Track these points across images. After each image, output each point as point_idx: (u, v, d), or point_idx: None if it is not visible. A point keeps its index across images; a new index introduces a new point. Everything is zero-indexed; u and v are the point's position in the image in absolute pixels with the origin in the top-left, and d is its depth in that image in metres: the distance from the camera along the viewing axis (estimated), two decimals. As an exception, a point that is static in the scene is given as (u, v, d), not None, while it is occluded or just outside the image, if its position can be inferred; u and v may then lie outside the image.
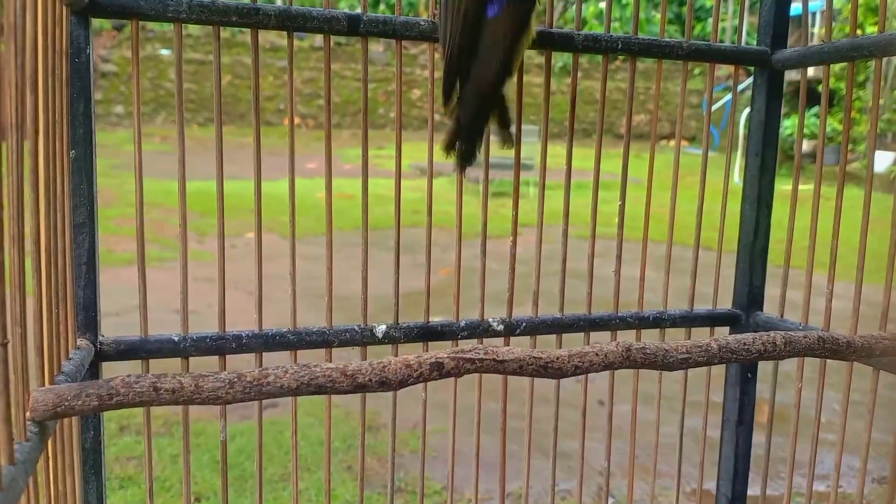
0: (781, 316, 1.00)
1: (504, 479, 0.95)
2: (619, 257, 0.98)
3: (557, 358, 0.65)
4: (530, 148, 6.24)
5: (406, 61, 11.82)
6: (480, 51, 0.73)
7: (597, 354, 0.66)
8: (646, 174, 0.97)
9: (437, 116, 0.86)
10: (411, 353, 0.63)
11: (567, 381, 0.85)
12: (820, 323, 0.92)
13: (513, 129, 0.81)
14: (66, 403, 0.52)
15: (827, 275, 0.92)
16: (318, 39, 11.67)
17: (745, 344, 0.71)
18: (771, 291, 1.04)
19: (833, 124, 8.28)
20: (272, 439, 2.26)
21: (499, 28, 0.72)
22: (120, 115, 11.38)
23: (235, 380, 0.56)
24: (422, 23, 0.85)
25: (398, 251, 0.88)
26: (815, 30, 8.17)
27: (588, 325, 0.96)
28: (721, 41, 0.99)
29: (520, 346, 0.67)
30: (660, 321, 1.00)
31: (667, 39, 0.95)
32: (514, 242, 0.92)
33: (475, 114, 0.75)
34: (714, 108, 10.70)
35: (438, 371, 0.62)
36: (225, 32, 1.13)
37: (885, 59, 0.88)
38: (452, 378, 0.68)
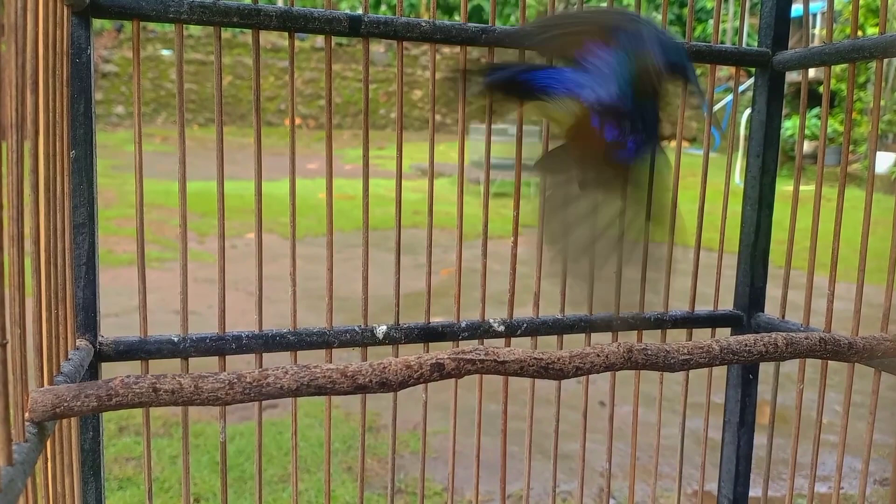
0: (783, 317, 1.00)
1: (505, 481, 0.95)
2: (619, 258, 0.97)
3: (558, 359, 0.64)
4: (532, 148, 6.24)
5: (407, 62, 11.82)
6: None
7: (598, 355, 0.66)
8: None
9: (437, 117, 0.86)
10: (412, 354, 0.63)
11: (568, 383, 0.84)
12: (821, 324, 0.92)
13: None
14: (66, 404, 0.52)
15: (828, 276, 0.92)
16: (320, 40, 11.68)
17: (746, 345, 0.71)
18: (772, 292, 1.04)
19: (834, 125, 8.27)
20: (272, 440, 2.26)
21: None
22: (121, 116, 11.39)
23: (235, 381, 0.56)
24: (423, 24, 0.85)
25: (399, 252, 0.88)
26: (816, 31, 8.17)
27: (589, 325, 0.96)
28: (722, 42, 0.99)
29: (521, 347, 0.67)
30: (661, 322, 0.99)
31: (668, 40, 0.94)
32: (515, 243, 0.92)
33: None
34: (715, 109, 10.70)
35: (439, 372, 0.61)
36: (226, 33, 1.14)
37: (885, 61, 0.88)
38: (453, 379, 0.68)
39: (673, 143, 0.88)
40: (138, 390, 0.53)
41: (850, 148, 0.89)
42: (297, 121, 11.40)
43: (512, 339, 0.93)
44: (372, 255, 0.89)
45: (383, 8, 13.01)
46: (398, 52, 0.86)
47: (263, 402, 0.69)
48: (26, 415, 0.50)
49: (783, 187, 0.95)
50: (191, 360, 0.82)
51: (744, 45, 1.02)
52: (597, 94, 0.58)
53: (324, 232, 0.85)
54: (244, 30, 0.80)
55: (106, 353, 0.78)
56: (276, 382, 0.57)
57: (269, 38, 11.29)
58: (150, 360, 0.81)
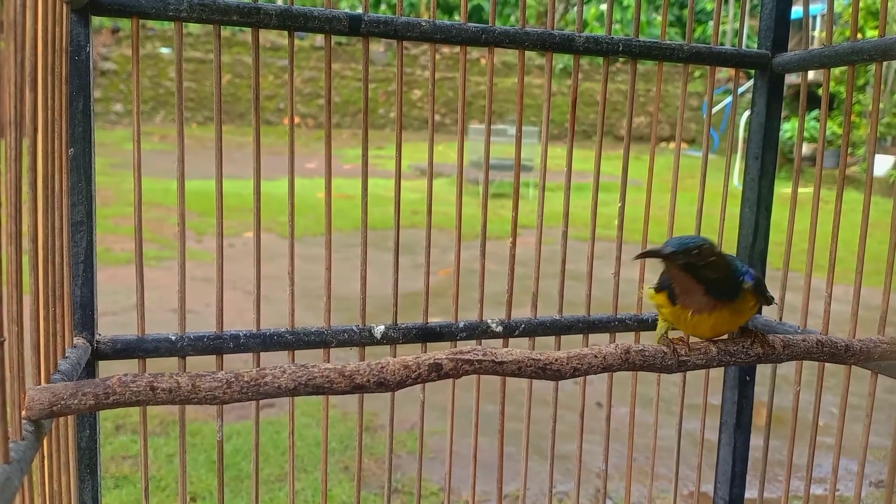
0: (780, 319, 1.00)
1: (501, 481, 0.95)
2: (618, 259, 0.97)
3: (556, 359, 0.64)
4: (530, 149, 6.24)
5: (407, 62, 11.82)
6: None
7: (595, 356, 0.66)
8: (645, 176, 0.97)
9: (437, 117, 0.86)
10: (410, 354, 0.63)
11: (565, 384, 0.84)
12: (819, 326, 0.92)
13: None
14: (63, 402, 0.52)
15: (826, 278, 0.92)
16: (319, 39, 11.68)
17: (743, 347, 0.71)
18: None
19: (833, 128, 8.28)
20: (269, 439, 2.26)
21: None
22: (119, 114, 11.37)
23: (233, 380, 0.56)
24: (423, 23, 0.85)
25: (397, 252, 0.88)
26: (816, 33, 8.18)
27: (587, 326, 0.96)
28: (722, 44, 0.99)
29: (518, 348, 0.67)
30: (658, 323, 0.99)
31: (667, 42, 0.95)
32: (514, 244, 0.92)
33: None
34: (714, 110, 10.71)
35: (437, 372, 0.61)
36: (225, 31, 1.13)
37: (885, 63, 0.88)
38: (451, 379, 0.68)
39: (672, 145, 0.88)
40: (136, 389, 0.53)
41: (849, 150, 0.89)
42: (296, 120, 11.39)
43: (510, 339, 0.93)
44: (370, 255, 0.89)
45: (383, 7, 13.00)
46: (398, 51, 0.86)
47: (260, 402, 0.69)
48: (23, 413, 0.50)
49: (782, 189, 0.95)
50: (188, 358, 0.82)
51: (743, 47, 1.02)
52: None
53: (322, 231, 0.85)
54: (244, 28, 0.80)
55: (103, 351, 0.78)
56: (274, 381, 0.57)
57: (269, 36, 11.29)
58: (147, 359, 0.81)
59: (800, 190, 0.96)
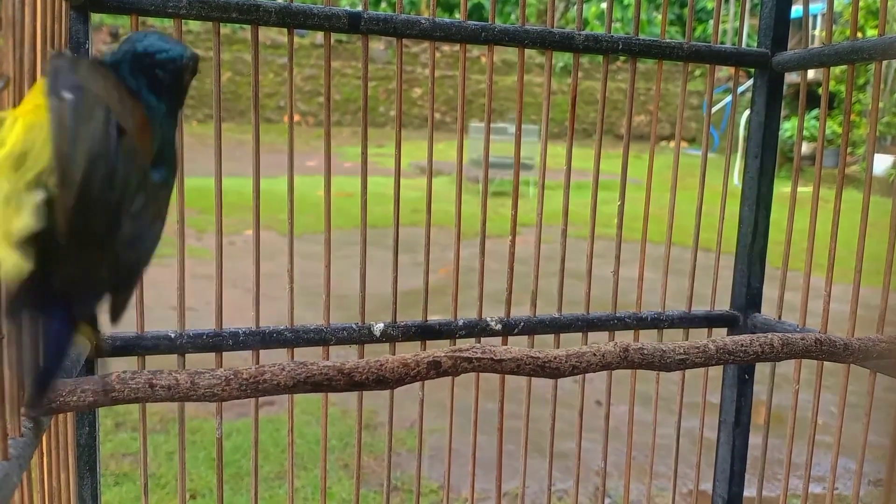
0: (779, 318, 1.00)
1: (501, 479, 0.95)
2: (617, 258, 0.97)
3: (555, 357, 0.64)
4: (530, 147, 6.24)
5: (407, 60, 11.82)
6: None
7: (594, 354, 0.66)
8: (645, 175, 0.97)
9: (437, 115, 0.86)
10: (409, 352, 0.63)
11: (565, 382, 0.84)
12: (818, 325, 0.92)
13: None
14: (62, 399, 0.52)
15: (825, 277, 0.92)
16: (319, 37, 11.66)
17: (742, 345, 0.71)
18: (769, 293, 1.04)
19: (833, 127, 8.28)
20: (268, 437, 2.26)
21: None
22: (119, 111, 11.35)
23: (232, 377, 0.56)
24: (423, 21, 0.84)
25: (397, 250, 0.88)
26: (816, 32, 8.17)
27: (586, 325, 0.96)
28: (722, 43, 0.99)
29: (517, 346, 0.67)
30: (658, 322, 1.00)
31: (667, 40, 0.95)
32: (513, 242, 0.92)
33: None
34: (714, 109, 10.72)
35: (436, 370, 0.61)
36: (225, 29, 1.13)
37: (885, 63, 0.88)
38: (450, 377, 0.68)
39: (672, 144, 0.89)
40: (135, 386, 0.53)
41: (849, 150, 0.89)
42: (296, 118, 11.39)
43: (509, 337, 0.93)
44: (370, 253, 0.89)
45: (383, 5, 12.99)
46: (398, 49, 0.86)
47: (260, 399, 0.69)
48: (22, 409, 0.50)
49: (781, 188, 0.95)
50: (188, 356, 0.82)
51: (743, 46, 1.02)
52: None
53: (322, 229, 0.85)
54: (243, 25, 0.80)
55: (103, 348, 0.78)
56: (273, 379, 0.57)
57: (269, 34, 11.27)
58: (146, 356, 0.81)
59: (799, 189, 0.96)
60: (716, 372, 0.97)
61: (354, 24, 0.82)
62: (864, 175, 0.89)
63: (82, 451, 0.77)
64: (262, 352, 0.84)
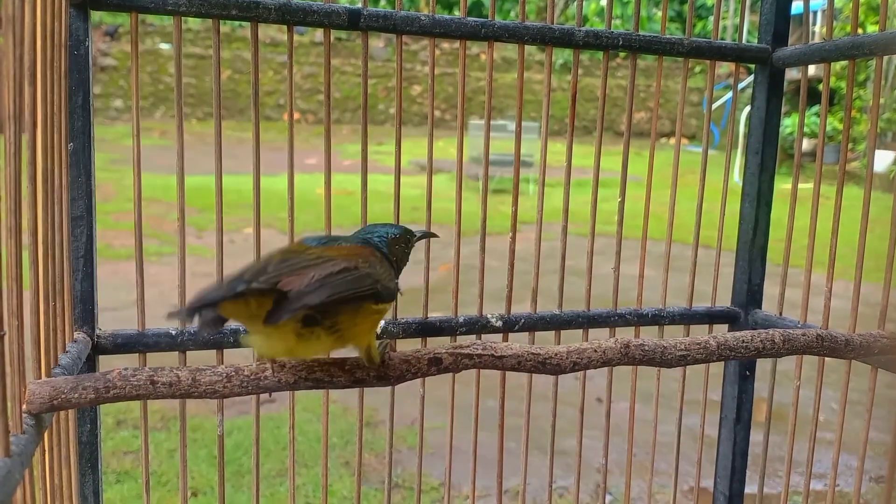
0: (780, 314, 1.00)
1: (502, 476, 0.95)
2: (618, 255, 0.97)
3: (556, 354, 0.64)
4: (530, 145, 6.23)
5: (406, 57, 11.80)
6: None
7: (595, 351, 0.66)
8: (646, 172, 0.97)
9: (437, 113, 0.86)
10: (410, 349, 0.63)
11: (565, 379, 0.84)
12: (818, 321, 0.92)
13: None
14: (63, 396, 0.52)
15: (826, 273, 0.92)
16: (319, 35, 11.65)
17: (743, 341, 0.71)
18: (770, 290, 1.04)
19: (833, 123, 8.28)
20: (269, 435, 2.26)
21: None
22: (119, 110, 11.36)
23: (233, 374, 0.56)
24: (422, 18, 0.84)
25: (397, 247, 0.87)
26: (817, 28, 8.16)
27: (587, 321, 0.96)
28: (722, 39, 0.98)
29: (518, 343, 0.67)
30: (658, 318, 1.00)
31: (668, 36, 0.94)
32: (514, 239, 0.92)
33: None
34: (714, 106, 10.70)
35: (436, 366, 0.61)
36: (225, 27, 1.13)
37: (885, 58, 0.88)
38: (451, 374, 0.68)
39: (672, 141, 0.89)
40: (136, 382, 0.53)
41: (849, 146, 0.89)
42: (296, 116, 11.39)
43: (509, 334, 0.93)
44: (370, 250, 0.89)
45: (382, 2, 12.99)
46: (397, 46, 0.86)
47: (261, 397, 0.69)
48: (24, 406, 0.50)
49: (782, 185, 0.94)
50: (188, 353, 0.82)
51: (744, 42, 1.01)
52: None
53: (322, 227, 0.85)
54: (243, 23, 0.80)
55: (104, 345, 0.78)
56: (274, 376, 0.57)
57: (269, 32, 11.27)
58: (147, 353, 0.81)
59: (800, 185, 0.96)
60: (717, 369, 0.97)
61: (354, 21, 0.82)
62: (864, 171, 0.89)
63: (84, 448, 0.78)
64: (262, 349, 0.84)
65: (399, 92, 0.86)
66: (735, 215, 1.05)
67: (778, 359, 0.85)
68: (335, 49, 11.60)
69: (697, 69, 10.70)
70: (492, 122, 0.90)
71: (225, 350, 0.83)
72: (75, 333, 0.74)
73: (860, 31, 0.90)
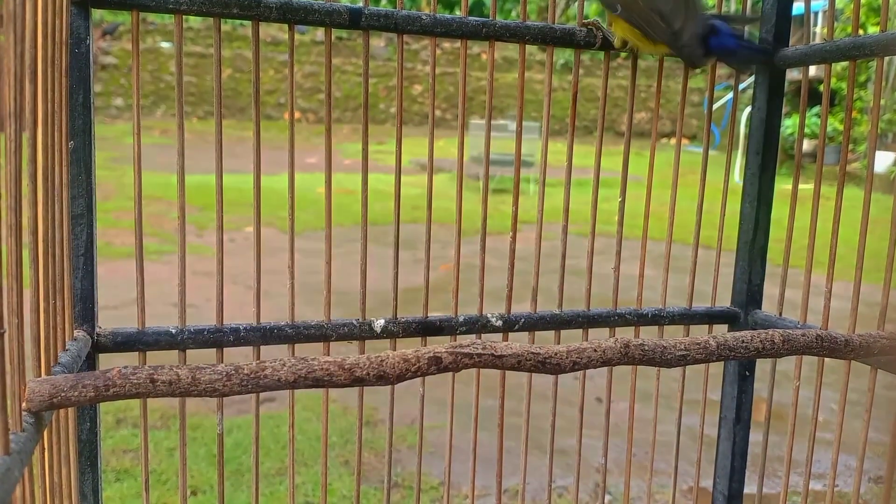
0: (780, 314, 1.00)
1: (501, 475, 0.95)
2: (618, 255, 0.97)
3: (556, 353, 0.64)
4: (531, 144, 6.24)
5: (407, 56, 11.79)
6: None
7: (595, 350, 0.66)
8: (646, 172, 0.97)
9: (437, 112, 0.86)
10: (409, 348, 0.63)
11: (565, 379, 0.85)
12: (818, 322, 0.92)
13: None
14: (63, 394, 0.52)
15: (826, 274, 0.92)
16: (320, 34, 11.64)
17: (743, 341, 0.71)
18: (770, 290, 1.04)
19: (834, 124, 8.27)
20: (269, 433, 2.27)
21: None
22: (120, 108, 11.36)
23: (233, 372, 0.56)
24: (424, 17, 0.84)
25: (397, 246, 0.88)
26: (818, 29, 8.16)
27: (587, 321, 0.96)
28: (723, 39, 0.98)
29: (518, 342, 0.67)
30: (658, 318, 1.00)
31: (669, 36, 0.94)
32: (514, 239, 0.92)
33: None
34: (715, 106, 10.69)
35: (436, 365, 0.61)
36: (226, 25, 1.13)
37: (886, 59, 0.88)
38: (450, 373, 0.68)
39: (672, 141, 0.90)
40: (136, 381, 0.53)
41: (850, 147, 0.89)
42: (297, 115, 11.38)
43: (510, 333, 0.94)
44: (371, 250, 0.89)
45: (384, 1, 12.98)
46: (398, 45, 0.86)
47: (261, 396, 0.69)
48: (23, 404, 0.50)
49: (782, 186, 0.94)
50: (189, 352, 0.82)
51: (744, 43, 1.01)
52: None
53: (323, 226, 0.85)
54: (244, 22, 0.80)
55: (104, 343, 0.78)
56: (274, 374, 0.57)
57: (269, 31, 11.27)
58: (147, 352, 0.81)
59: (800, 186, 0.96)
60: (716, 369, 0.97)
61: (355, 21, 0.82)
62: (865, 172, 0.89)
63: (83, 446, 0.78)
64: (262, 348, 0.84)
65: (400, 91, 0.86)
66: (735, 215, 1.05)
67: (777, 359, 0.85)
68: (336, 48, 11.60)
69: (697, 71, 10.68)
70: (492, 122, 0.91)
71: (225, 349, 0.83)
72: (75, 332, 0.74)
73: (861, 31, 0.90)
